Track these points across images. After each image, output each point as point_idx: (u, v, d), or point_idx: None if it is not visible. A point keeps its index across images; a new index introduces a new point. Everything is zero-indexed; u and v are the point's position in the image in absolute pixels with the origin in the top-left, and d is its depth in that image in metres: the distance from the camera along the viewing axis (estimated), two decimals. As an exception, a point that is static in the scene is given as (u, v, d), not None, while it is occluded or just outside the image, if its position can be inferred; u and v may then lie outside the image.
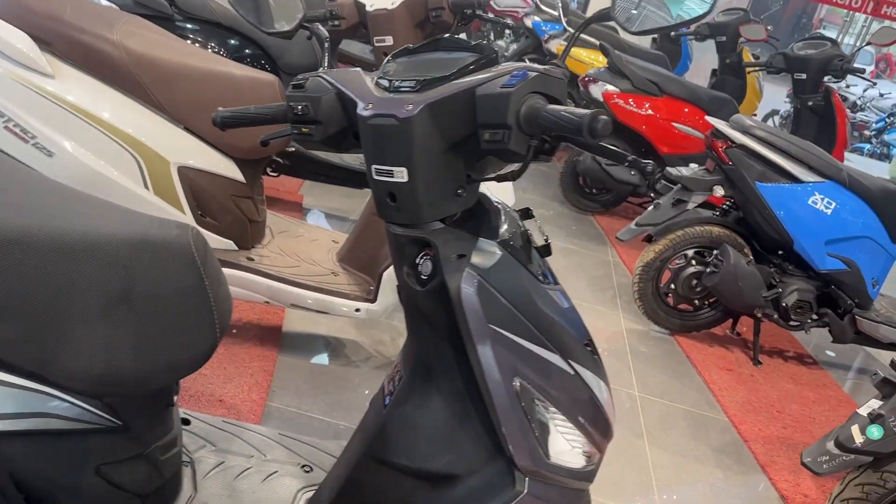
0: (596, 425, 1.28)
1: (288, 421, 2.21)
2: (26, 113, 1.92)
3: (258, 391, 2.27)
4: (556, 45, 5.47)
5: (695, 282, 3.26)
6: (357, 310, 2.33)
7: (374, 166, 1.14)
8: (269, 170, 2.42)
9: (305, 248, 2.49)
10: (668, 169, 3.21)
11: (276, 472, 1.53)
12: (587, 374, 1.24)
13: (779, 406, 3.02)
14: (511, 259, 1.15)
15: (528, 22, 6.40)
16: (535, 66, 1.07)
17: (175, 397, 1.31)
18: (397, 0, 2.24)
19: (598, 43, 4.68)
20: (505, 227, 1.20)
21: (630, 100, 4.24)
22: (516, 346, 1.12)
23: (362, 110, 1.14)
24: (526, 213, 1.33)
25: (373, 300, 2.33)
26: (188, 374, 1.19)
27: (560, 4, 5.49)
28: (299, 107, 1.21)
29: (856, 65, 4.25)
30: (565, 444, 1.21)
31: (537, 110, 1.00)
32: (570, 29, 5.48)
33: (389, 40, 2.20)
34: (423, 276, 1.18)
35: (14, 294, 1.02)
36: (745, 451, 2.68)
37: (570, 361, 1.20)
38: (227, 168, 2.18)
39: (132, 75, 2.01)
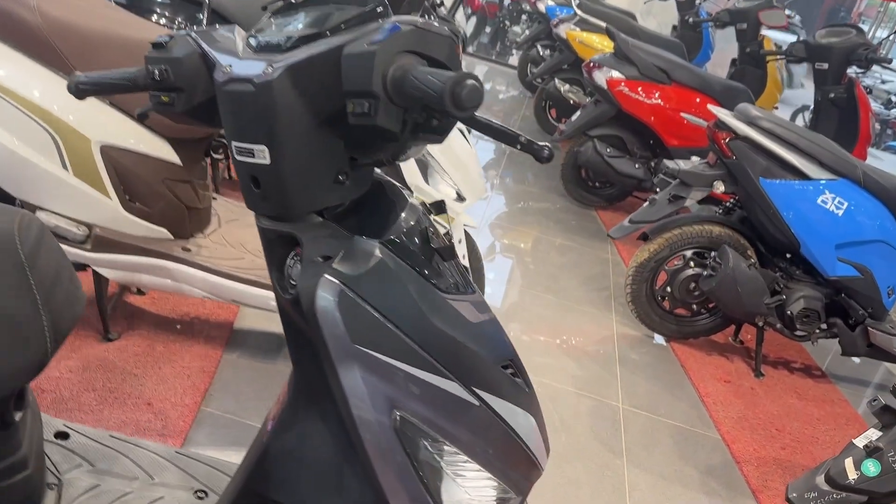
0: (513, 464, 1.06)
1: (221, 428, 2.01)
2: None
3: (193, 394, 2.07)
4: (565, 30, 5.21)
5: (693, 285, 3.01)
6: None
7: (233, 143, 0.93)
8: (213, 152, 2.23)
9: (255, 239, 2.28)
10: (666, 162, 2.95)
11: (162, 497, 1.33)
12: (500, 404, 1.02)
13: (778, 423, 2.76)
14: (396, 262, 0.93)
15: (542, 6, 6.14)
16: (413, 18, 0.85)
17: (17, 414, 1.11)
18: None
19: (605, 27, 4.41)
20: (400, 222, 0.98)
21: (636, 87, 3.98)
22: (393, 372, 0.90)
23: (217, 73, 0.92)
24: (439, 207, 1.11)
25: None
26: (7, 391, 0.98)
27: (571, -13, 5.22)
28: (156, 70, 1.00)
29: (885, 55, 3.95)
30: (464, 492, 0.99)
31: (406, 73, 0.78)
32: (580, 12, 5.22)
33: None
34: (291, 282, 0.97)
35: None
36: (735, 474, 2.43)
37: (476, 389, 0.98)
38: (160, 149, 1.98)
39: (49, 43, 1.81)
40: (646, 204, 2.99)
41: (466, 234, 2.41)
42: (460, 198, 2.13)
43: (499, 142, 0.93)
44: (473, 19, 8.80)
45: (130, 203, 1.96)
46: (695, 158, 3.01)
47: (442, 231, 2.05)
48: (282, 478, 1.08)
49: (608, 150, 4.06)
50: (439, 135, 0.91)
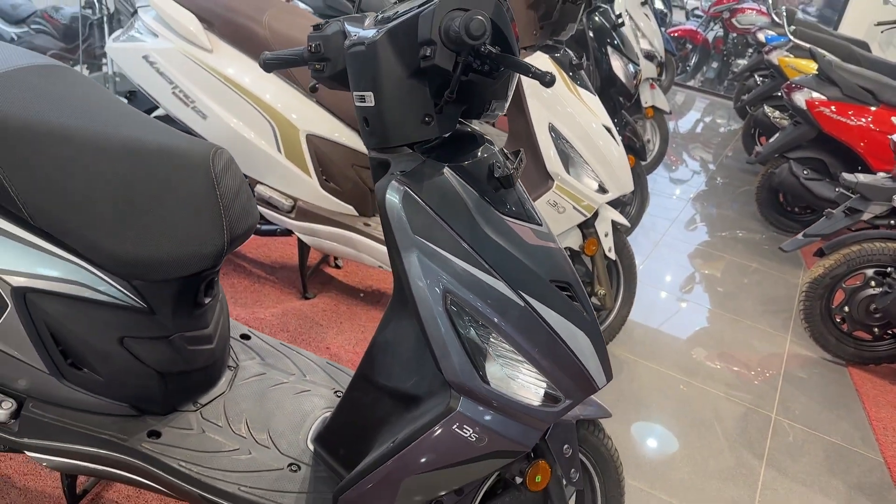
0: (562, 369, 1.26)
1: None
2: (189, 81, 2.32)
3: (363, 346, 2.46)
4: (777, 56, 5.08)
5: (873, 306, 2.86)
6: None
7: (354, 93, 1.26)
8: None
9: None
10: (844, 175, 2.86)
11: (309, 391, 1.69)
12: (548, 313, 1.24)
13: (962, 459, 2.53)
14: (459, 181, 1.19)
15: (761, 36, 6.00)
16: None
17: (207, 299, 1.52)
18: (511, -17, 2.34)
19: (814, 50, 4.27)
20: (469, 156, 1.24)
21: (838, 108, 3.82)
22: (446, 262, 1.16)
23: (346, 41, 1.26)
24: (516, 154, 1.35)
25: None
26: (198, 269, 1.39)
27: (785, 14, 5.10)
28: (313, 45, 1.37)
29: None
30: (505, 373, 1.21)
31: (453, 21, 1.06)
32: (795, 40, 5.07)
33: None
34: None
35: (72, 188, 1.30)
36: (892, 496, 2.30)
37: (523, 293, 1.21)
38: (350, 139, 2.41)
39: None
40: (822, 218, 2.91)
41: (617, 231, 2.57)
42: (602, 189, 2.32)
43: (517, 73, 1.15)
44: (697, 53, 8.73)
45: (326, 182, 2.42)
46: (881, 174, 2.87)
47: (576, 218, 2.25)
48: (383, 363, 1.38)
49: (805, 171, 3.92)
50: (488, 77, 1.17)
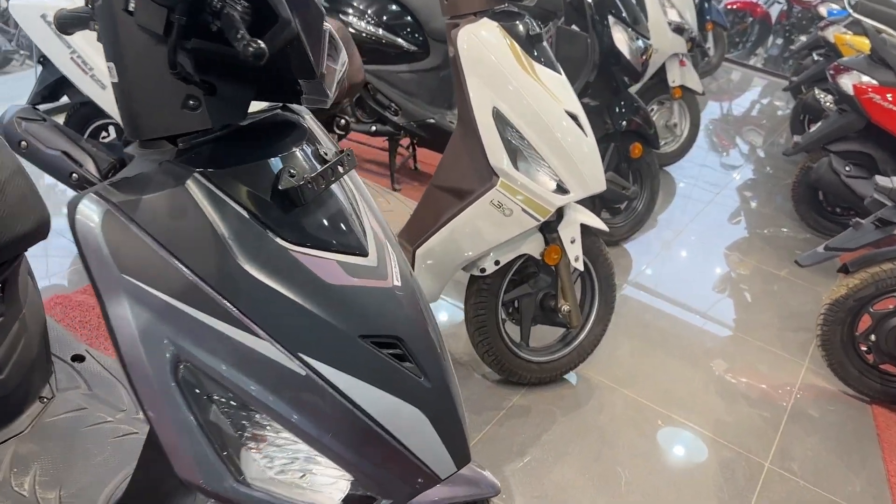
0: (375, 459, 0.91)
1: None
2: (89, 46, 2.01)
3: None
4: (833, 33, 4.49)
5: (905, 337, 2.38)
6: (393, 289, 2.08)
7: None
8: (335, 127, 2.28)
9: None
10: (878, 178, 2.38)
11: (137, 433, 1.38)
12: (354, 385, 0.89)
13: None
14: (204, 193, 0.84)
15: (822, 10, 5.36)
16: None
17: None
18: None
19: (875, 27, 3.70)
20: (251, 160, 0.90)
21: (894, 96, 3.28)
22: (173, 314, 0.81)
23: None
24: (343, 158, 0.99)
25: (410, 281, 2.06)
26: None
27: (846, -16, 4.49)
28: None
29: None
30: (274, 470, 0.87)
31: None
32: (854, 14, 4.46)
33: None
34: None
35: None
36: (900, 582, 1.87)
37: (305, 357, 0.86)
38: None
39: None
40: (848, 229, 2.44)
41: (592, 236, 2.18)
42: (562, 189, 1.92)
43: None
44: (756, 28, 8.01)
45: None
46: (927, 178, 2.38)
47: (526, 222, 1.86)
48: None
49: (847, 168, 3.40)
50: (233, 48, 0.81)
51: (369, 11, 3.06)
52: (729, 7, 7.75)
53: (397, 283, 0.98)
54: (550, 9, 2.88)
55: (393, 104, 3.03)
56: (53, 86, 2.37)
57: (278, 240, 0.87)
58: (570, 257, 2.09)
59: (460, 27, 1.84)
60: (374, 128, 3.08)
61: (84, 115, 2.49)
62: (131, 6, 0.78)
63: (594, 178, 1.98)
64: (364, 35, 3.02)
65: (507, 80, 1.83)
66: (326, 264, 0.90)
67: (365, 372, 0.89)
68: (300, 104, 1.04)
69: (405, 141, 3.43)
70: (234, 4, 0.76)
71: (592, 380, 2.43)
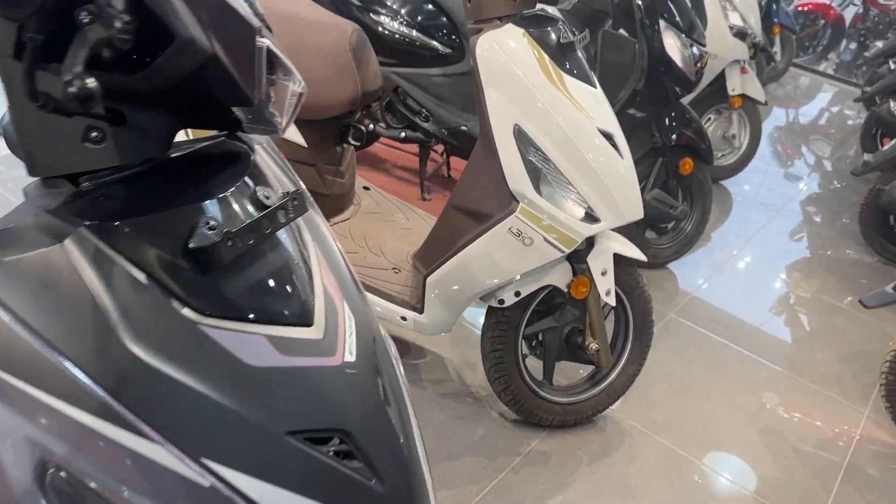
0: None
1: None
2: None
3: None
4: (914, 41, 4.12)
5: None
6: (403, 318, 1.91)
7: None
8: (350, 138, 2.10)
9: (384, 235, 2.12)
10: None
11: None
12: (270, 495, 0.71)
13: None
14: (95, 253, 0.67)
15: (903, 13, 4.97)
16: None
17: None
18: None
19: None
20: (162, 203, 0.73)
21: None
22: (42, 410, 0.64)
23: None
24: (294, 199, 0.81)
25: (421, 310, 1.88)
26: None
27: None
28: None
29: None
30: None
31: None
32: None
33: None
34: None
35: None
36: None
37: (209, 463, 0.68)
38: (280, 127, 1.91)
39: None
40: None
41: (628, 267, 1.95)
42: (592, 217, 1.70)
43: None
44: (828, 31, 7.53)
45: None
46: None
47: (549, 254, 1.66)
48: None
49: (924, 193, 3.07)
50: (134, 77, 0.64)
51: (402, 11, 2.88)
52: (799, 9, 7.31)
53: (349, 357, 0.80)
54: (600, 8, 2.65)
55: (424, 109, 2.85)
56: None
57: (185, 310, 0.69)
58: (601, 291, 1.87)
59: (482, 33, 1.64)
60: (403, 134, 2.90)
61: None
62: None
63: (630, 204, 1.76)
64: (397, 36, 2.84)
65: (532, 94, 1.62)
66: (250, 340, 0.72)
67: (291, 478, 0.71)
68: (246, 132, 0.86)
69: (440, 147, 3.25)
70: (109, 21, 0.59)
71: (623, 424, 2.21)
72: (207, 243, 0.70)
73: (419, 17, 2.86)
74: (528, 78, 1.61)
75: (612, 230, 1.85)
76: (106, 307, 0.65)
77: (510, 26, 1.63)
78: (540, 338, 2.04)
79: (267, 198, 0.79)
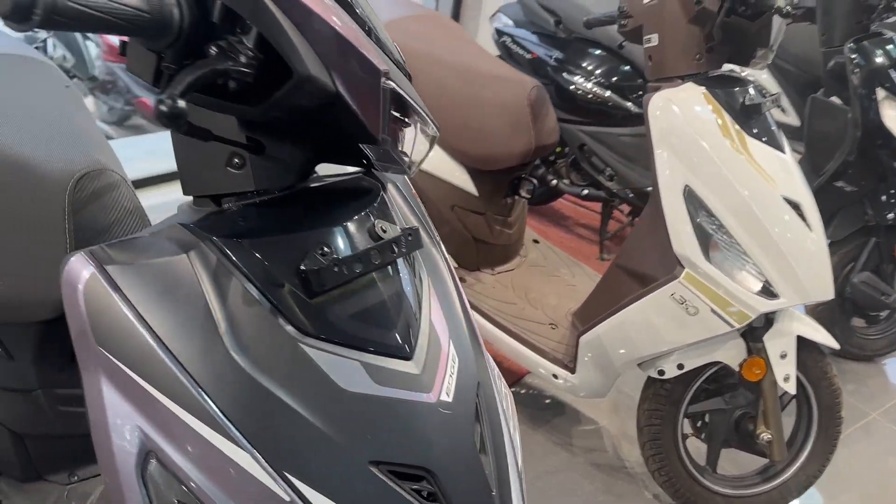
0: None
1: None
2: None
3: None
4: None
5: None
6: (555, 376, 1.86)
7: None
8: (522, 190, 2.09)
9: (546, 289, 2.08)
10: None
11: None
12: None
13: None
14: (214, 267, 0.72)
15: None
16: None
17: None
18: (668, -13, 1.64)
19: None
20: (278, 229, 0.77)
21: None
22: (146, 399, 0.70)
23: None
24: (410, 236, 0.83)
25: (574, 369, 1.82)
26: (37, 318, 1.09)
27: None
28: None
29: None
30: None
31: None
32: None
33: (655, 39, 1.65)
34: None
35: None
36: None
37: (291, 478, 0.70)
38: (455, 175, 1.97)
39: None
40: None
41: (812, 352, 1.75)
42: (769, 292, 1.55)
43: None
44: None
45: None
46: None
47: (717, 327, 1.53)
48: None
49: None
50: (250, 105, 0.69)
51: (598, 71, 2.87)
52: None
53: (446, 398, 0.78)
54: (809, 72, 2.47)
55: (609, 168, 2.80)
56: None
57: (289, 328, 0.72)
58: (778, 375, 1.69)
59: (658, 91, 1.59)
60: (586, 191, 2.87)
61: None
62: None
63: (818, 282, 1.58)
64: (589, 95, 2.84)
65: (707, 154, 1.52)
66: (347, 365, 0.73)
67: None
68: (378, 170, 0.90)
69: (626, 208, 3.17)
70: (235, 55, 0.64)
71: (797, 530, 1.95)
72: (316, 267, 0.73)
73: (614, 78, 2.84)
74: (704, 138, 1.53)
75: (803, 311, 1.67)
76: (217, 316, 0.70)
77: (689, 84, 1.57)
78: (706, 419, 1.87)
79: (384, 231, 0.81)
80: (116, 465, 0.70)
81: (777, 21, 1.58)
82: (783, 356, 1.68)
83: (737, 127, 1.56)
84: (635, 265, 1.72)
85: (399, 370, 0.76)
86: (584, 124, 2.82)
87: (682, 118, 1.54)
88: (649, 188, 2.76)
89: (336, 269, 0.73)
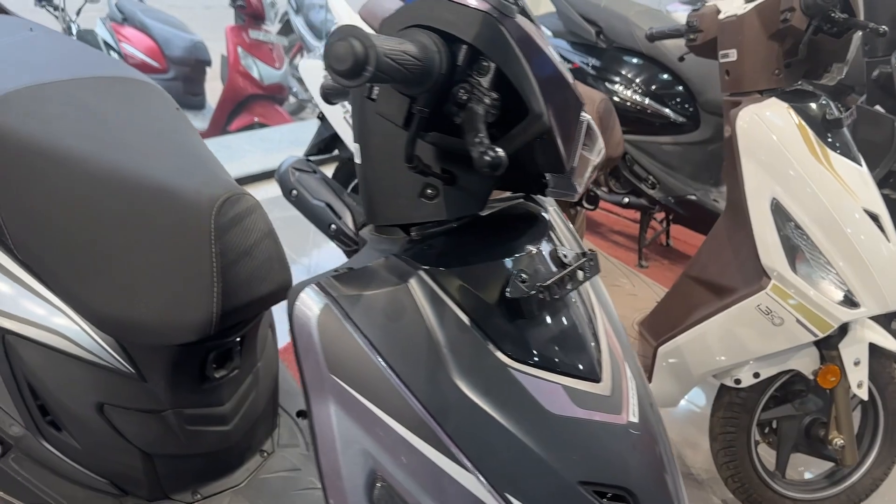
0: None
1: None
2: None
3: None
4: None
5: None
6: (627, 385, 1.88)
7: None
8: (584, 201, 2.12)
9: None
10: None
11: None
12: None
13: None
14: (427, 294, 0.75)
15: None
16: None
17: (220, 372, 1.24)
18: (748, 4, 1.67)
19: None
20: (482, 259, 0.80)
21: None
22: (376, 424, 0.72)
23: None
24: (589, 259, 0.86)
25: (649, 379, 1.84)
26: (181, 340, 1.11)
27: None
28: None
29: None
30: None
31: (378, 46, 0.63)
32: None
33: (733, 54, 1.68)
34: None
35: (56, 222, 1.11)
36: None
37: (511, 498, 0.72)
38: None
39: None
40: None
41: (883, 359, 1.79)
42: (851, 302, 1.59)
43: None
44: None
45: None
46: None
47: (801, 336, 1.57)
48: None
49: None
50: (468, 145, 0.71)
51: (638, 80, 2.92)
52: None
53: (633, 418, 0.81)
54: (849, 83, 2.52)
55: (651, 176, 2.84)
56: (328, 140, 2.53)
57: (499, 353, 0.75)
58: (852, 382, 1.73)
59: (742, 106, 1.62)
60: (626, 199, 2.91)
61: (350, 170, 2.63)
62: (374, 93, 0.72)
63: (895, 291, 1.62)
64: (629, 104, 2.88)
65: (794, 167, 1.56)
66: (550, 389, 0.76)
67: None
68: (544, 195, 0.92)
69: (659, 215, 3.21)
70: (481, 97, 0.67)
71: (863, 533, 1.99)
72: (522, 294, 0.75)
73: (654, 86, 2.88)
74: (791, 152, 1.57)
75: (871, 319, 1.71)
76: (438, 341, 0.73)
77: (774, 100, 1.60)
78: (774, 425, 1.91)
79: (565, 256, 0.84)
80: (344, 487, 0.72)
81: (855, 36, 1.62)
82: (857, 363, 1.72)
83: (819, 141, 1.60)
84: (711, 276, 1.75)
85: (593, 392, 0.79)
86: (625, 132, 2.86)
87: (771, 133, 1.57)
88: (692, 196, 2.81)
89: (541, 295, 0.76)
